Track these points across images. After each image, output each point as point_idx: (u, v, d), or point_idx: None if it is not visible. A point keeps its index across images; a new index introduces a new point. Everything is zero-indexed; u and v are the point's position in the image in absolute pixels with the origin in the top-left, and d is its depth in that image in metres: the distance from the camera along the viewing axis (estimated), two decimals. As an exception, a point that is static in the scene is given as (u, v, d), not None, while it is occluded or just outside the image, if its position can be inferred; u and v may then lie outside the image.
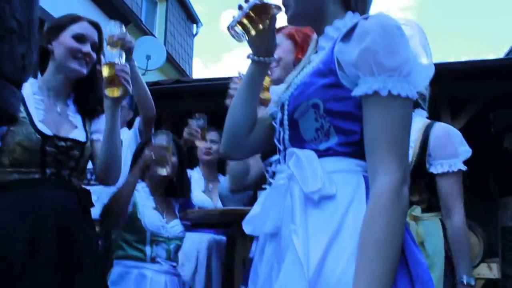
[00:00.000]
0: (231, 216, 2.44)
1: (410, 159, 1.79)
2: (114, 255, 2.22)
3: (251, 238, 2.35)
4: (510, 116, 4.62)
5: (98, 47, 1.76)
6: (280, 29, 1.82)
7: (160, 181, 2.34)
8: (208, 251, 2.79)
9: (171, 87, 4.11)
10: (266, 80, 1.65)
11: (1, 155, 1.56)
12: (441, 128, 1.97)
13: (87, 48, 1.70)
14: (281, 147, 1.08)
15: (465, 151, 1.93)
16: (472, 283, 1.78)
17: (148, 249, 2.18)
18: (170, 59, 9.08)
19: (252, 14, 1.10)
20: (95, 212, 1.87)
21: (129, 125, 2.85)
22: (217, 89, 4.09)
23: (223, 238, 2.83)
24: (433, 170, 1.91)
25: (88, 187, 1.85)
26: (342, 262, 0.86)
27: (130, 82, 1.63)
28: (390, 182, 0.86)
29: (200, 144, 2.81)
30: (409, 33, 0.97)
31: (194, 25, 12.04)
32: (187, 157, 2.78)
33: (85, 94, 1.77)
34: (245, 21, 1.11)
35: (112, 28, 1.89)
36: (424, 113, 2.09)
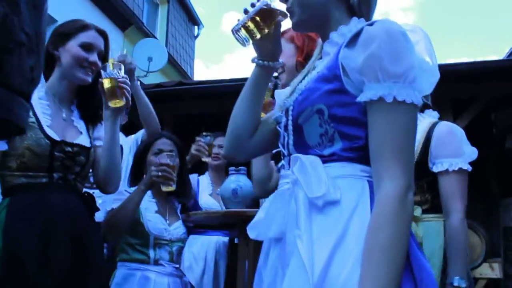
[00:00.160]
0: (233, 218, 2.46)
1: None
2: (118, 258, 2.25)
3: (254, 241, 2.37)
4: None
5: (103, 55, 1.78)
6: (282, 33, 1.82)
7: None
8: (216, 254, 2.83)
9: (173, 89, 4.12)
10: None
11: (9, 158, 1.57)
12: (445, 127, 1.93)
13: (94, 57, 1.71)
14: (286, 152, 1.08)
15: (471, 151, 1.88)
16: (463, 285, 1.72)
17: (151, 252, 2.20)
18: (171, 61, 9.09)
19: (258, 19, 1.11)
20: (99, 215, 1.89)
21: (123, 129, 2.87)
22: (219, 91, 4.11)
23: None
24: (435, 169, 1.87)
25: (91, 191, 1.88)
26: (347, 267, 0.86)
27: (130, 93, 1.69)
28: (395, 189, 0.86)
29: (207, 160, 2.87)
30: (414, 39, 0.98)
31: (196, 27, 12.05)
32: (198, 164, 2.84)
33: (88, 100, 1.78)
34: (250, 25, 1.12)
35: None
36: (435, 114, 2.04)
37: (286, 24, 1.19)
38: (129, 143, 2.72)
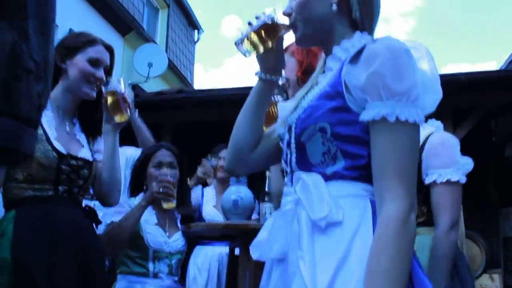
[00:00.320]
0: (233, 230, 2.46)
1: None
2: (118, 270, 2.25)
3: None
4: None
5: (108, 70, 1.79)
6: (286, 47, 1.82)
7: None
8: (219, 265, 2.85)
9: (173, 97, 4.12)
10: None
11: (15, 170, 1.57)
12: (437, 138, 1.88)
13: (100, 73, 1.72)
14: (288, 169, 1.08)
15: (465, 162, 1.84)
16: None
17: (150, 266, 2.21)
18: (171, 66, 9.09)
19: (261, 32, 1.12)
20: (99, 228, 1.90)
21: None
22: (220, 99, 4.12)
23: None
24: (426, 180, 1.82)
25: (91, 203, 1.89)
26: None
27: (131, 106, 1.76)
28: (397, 210, 0.86)
29: (212, 181, 2.93)
30: (417, 56, 0.98)
31: (196, 32, 12.06)
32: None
33: (90, 114, 1.79)
34: (253, 37, 1.12)
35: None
36: (438, 124, 1.99)
37: (291, 37, 1.20)
38: (124, 155, 2.74)
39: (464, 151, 3.87)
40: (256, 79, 1.18)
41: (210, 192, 3.12)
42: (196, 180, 2.83)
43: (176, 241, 2.33)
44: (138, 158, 2.46)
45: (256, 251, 1.05)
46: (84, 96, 1.72)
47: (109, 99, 1.69)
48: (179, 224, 2.46)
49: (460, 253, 1.89)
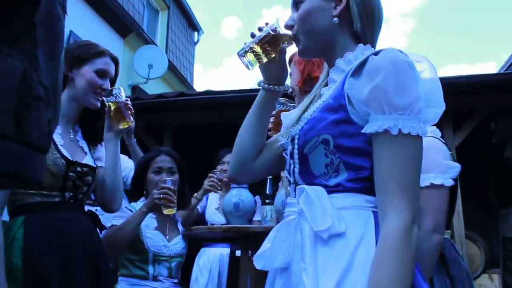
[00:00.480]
0: (233, 233, 2.49)
1: None
2: (119, 273, 2.29)
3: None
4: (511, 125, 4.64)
5: (113, 80, 1.82)
6: (291, 57, 1.84)
7: None
8: (219, 265, 2.89)
9: (174, 100, 4.14)
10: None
11: None
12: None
13: (107, 84, 1.76)
14: (292, 179, 1.09)
15: (451, 166, 1.81)
16: None
17: (150, 269, 2.25)
18: (171, 67, 9.10)
19: (265, 43, 1.13)
20: None
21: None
22: (220, 102, 4.13)
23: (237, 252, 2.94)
24: None
25: (93, 208, 1.92)
26: None
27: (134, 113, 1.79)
28: (400, 223, 0.87)
29: (222, 193, 2.98)
30: (419, 69, 0.98)
31: (196, 33, 12.06)
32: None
33: (93, 121, 1.82)
34: (256, 49, 1.14)
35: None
36: (434, 129, 1.94)
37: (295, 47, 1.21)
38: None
39: (464, 152, 3.91)
40: (254, 79, 1.19)
41: (214, 195, 3.16)
42: (203, 192, 2.89)
43: (176, 244, 2.37)
44: (139, 163, 2.49)
45: (259, 262, 1.06)
46: (89, 106, 1.75)
47: (113, 108, 1.74)
48: (179, 227, 2.49)
49: (455, 259, 1.88)
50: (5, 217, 1.62)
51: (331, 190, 0.98)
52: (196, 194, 2.91)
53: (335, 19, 1.07)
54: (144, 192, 2.44)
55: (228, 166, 2.97)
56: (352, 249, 0.91)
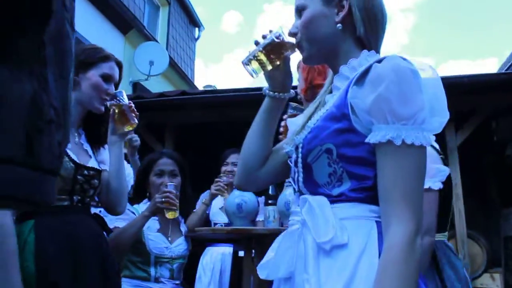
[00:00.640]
0: (236, 235, 2.49)
1: None
2: (121, 274, 2.30)
3: (258, 256, 2.39)
4: (513, 124, 4.63)
5: (117, 84, 1.83)
6: (299, 63, 1.83)
7: None
8: (221, 264, 2.92)
9: (176, 99, 4.13)
10: None
11: None
12: None
13: (112, 89, 1.76)
14: (296, 188, 1.09)
15: (440, 170, 1.79)
16: None
17: (152, 270, 2.28)
18: (172, 64, 9.08)
19: (269, 50, 1.13)
20: None
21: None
22: (222, 100, 4.12)
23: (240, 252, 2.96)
24: None
25: (97, 209, 1.92)
26: None
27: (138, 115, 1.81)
28: (403, 234, 0.86)
29: (225, 197, 3.02)
30: (423, 76, 0.96)
31: (196, 29, 12.04)
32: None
33: (97, 125, 1.82)
34: (261, 56, 1.13)
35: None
36: None
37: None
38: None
39: (466, 151, 3.90)
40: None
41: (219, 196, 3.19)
42: (210, 197, 2.91)
43: (178, 246, 2.39)
44: (141, 166, 2.51)
45: (263, 271, 1.06)
46: (94, 111, 1.75)
47: (118, 111, 1.75)
48: (182, 229, 2.50)
49: (449, 261, 1.85)
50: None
51: (334, 200, 0.98)
52: (204, 199, 2.94)
53: (338, 25, 1.06)
54: (147, 194, 2.45)
55: (232, 167, 2.98)
56: (355, 260, 0.91)
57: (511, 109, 4.04)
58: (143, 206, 2.37)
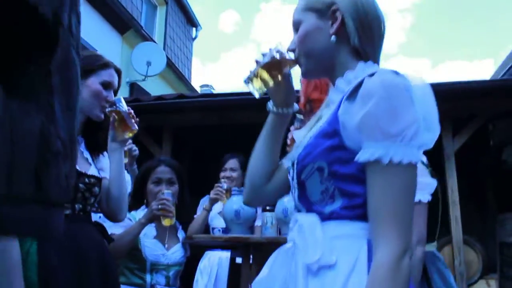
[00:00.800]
0: (234, 243, 2.50)
1: None
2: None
3: (256, 264, 2.40)
4: (509, 128, 4.65)
5: (116, 91, 1.82)
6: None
7: None
8: (218, 268, 2.94)
9: (173, 102, 4.13)
10: None
11: None
12: None
13: (111, 96, 1.76)
14: (294, 203, 1.09)
15: (428, 183, 1.82)
16: None
17: (148, 277, 2.29)
18: (169, 64, 9.06)
19: (269, 67, 1.13)
20: None
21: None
22: (220, 104, 4.12)
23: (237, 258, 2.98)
24: None
25: (96, 215, 1.92)
26: None
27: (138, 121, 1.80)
28: (389, 254, 0.85)
29: (224, 202, 3.04)
30: (416, 91, 0.94)
31: (194, 29, 12.03)
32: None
33: (97, 132, 1.82)
34: (262, 74, 1.13)
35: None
36: None
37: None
38: None
39: (463, 157, 3.91)
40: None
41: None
42: (210, 202, 2.92)
43: (175, 253, 2.39)
44: (139, 173, 2.51)
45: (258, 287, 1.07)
46: (94, 118, 1.75)
47: (119, 118, 1.75)
48: (179, 235, 2.50)
49: (438, 271, 1.87)
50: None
51: (326, 217, 0.97)
52: (205, 205, 2.95)
53: (333, 37, 1.05)
54: (145, 201, 2.45)
55: (230, 172, 2.98)
56: (344, 279, 0.90)
57: (507, 113, 4.06)
58: (140, 213, 2.37)
